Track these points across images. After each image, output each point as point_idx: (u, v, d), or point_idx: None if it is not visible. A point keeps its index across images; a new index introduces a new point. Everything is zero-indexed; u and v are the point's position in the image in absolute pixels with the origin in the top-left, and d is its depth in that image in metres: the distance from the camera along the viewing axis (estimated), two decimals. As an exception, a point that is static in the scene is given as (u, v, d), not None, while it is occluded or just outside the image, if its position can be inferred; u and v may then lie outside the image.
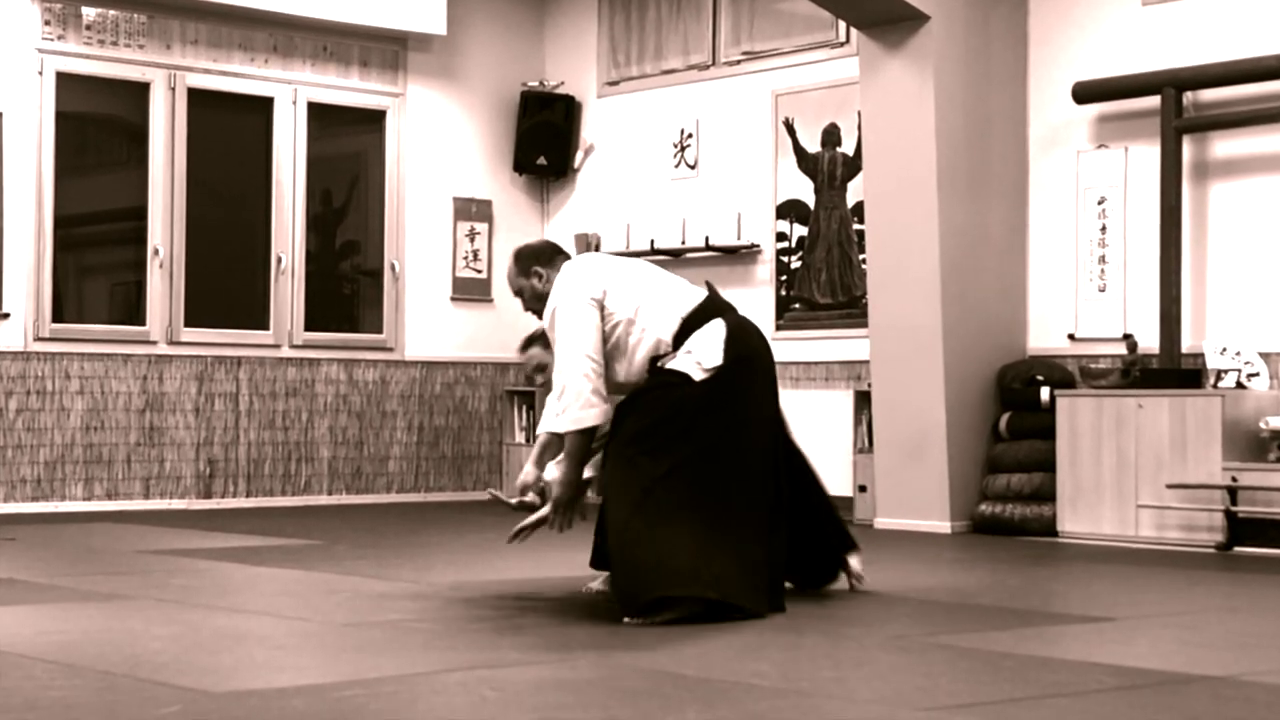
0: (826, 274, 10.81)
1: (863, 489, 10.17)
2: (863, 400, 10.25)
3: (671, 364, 5.81)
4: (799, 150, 11.00)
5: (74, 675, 4.42)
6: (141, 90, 11.01)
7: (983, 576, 7.45)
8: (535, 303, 6.15)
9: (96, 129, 11.41)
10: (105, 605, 5.96)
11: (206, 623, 5.54)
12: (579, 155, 12.34)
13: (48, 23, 10.62)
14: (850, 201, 10.69)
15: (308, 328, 11.54)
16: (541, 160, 12.31)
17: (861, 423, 10.27)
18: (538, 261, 6.16)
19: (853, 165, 10.63)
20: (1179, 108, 9.24)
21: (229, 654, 4.91)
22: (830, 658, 4.91)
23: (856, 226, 10.59)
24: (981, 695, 4.30)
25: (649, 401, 5.81)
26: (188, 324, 11.04)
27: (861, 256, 10.46)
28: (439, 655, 4.93)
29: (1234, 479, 8.52)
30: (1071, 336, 9.78)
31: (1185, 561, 8.03)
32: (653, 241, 11.55)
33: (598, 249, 11.88)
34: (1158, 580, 7.27)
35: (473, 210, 12.28)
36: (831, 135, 10.83)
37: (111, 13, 10.83)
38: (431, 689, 4.35)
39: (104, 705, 4.05)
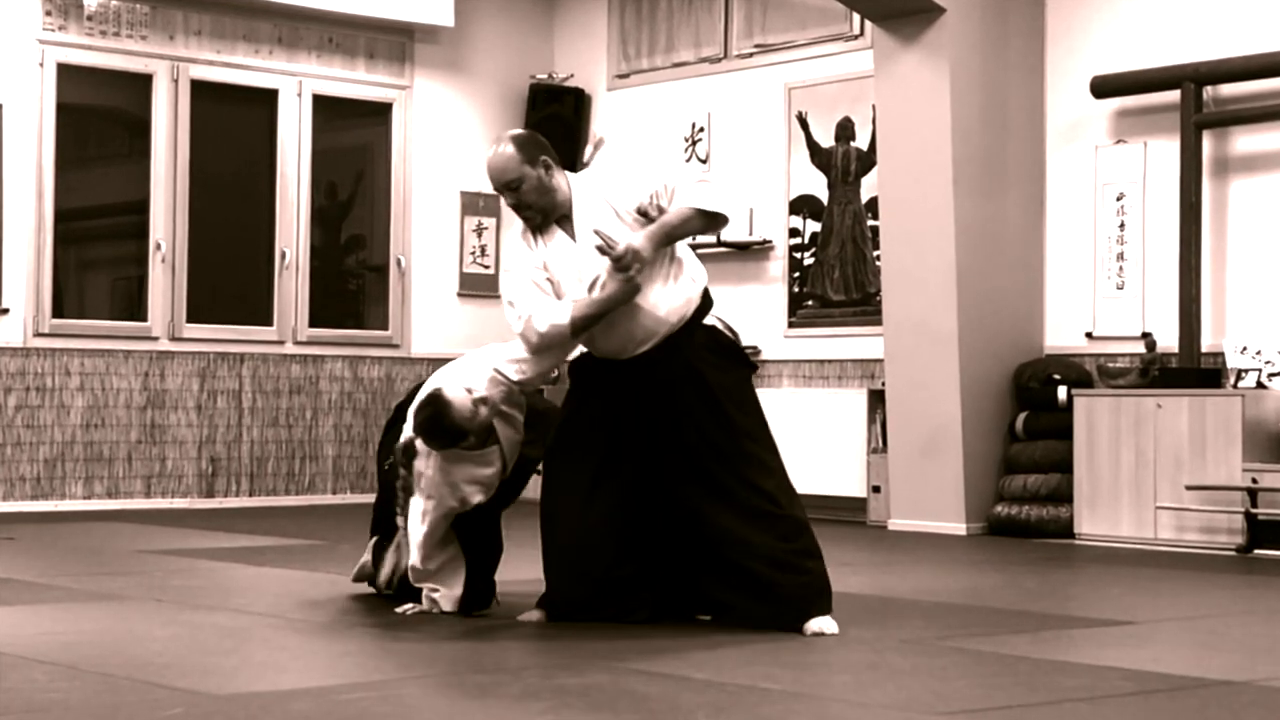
0: (840, 270, 10.80)
1: (876, 490, 10.18)
2: (876, 399, 10.25)
3: (715, 326, 5.60)
4: (812, 145, 11.00)
5: (74, 677, 4.43)
6: (144, 82, 11.02)
7: (998, 579, 7.45)
8: (536, 196, 5.43)
9: (98, 121, 11.43)
10: (106, 606, 5.97)
11: (208, 624, 5.55)
12: (589, 149, 12.34)
13: (49, 13, 10.63)
14: (864, 197, 10.68)
15: (312, 324, 11.55)
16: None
17: (875, 422, 10.27)
18: (547, 153, 5.49)
19: (867, 160, 10.62)
20: (1199, 102, 9.23)
21: (231, 656, 4.92)
22: (843, 661, 4.91)
23: (871, 222, 10.59)
24: (997, 699, 4.31)
25: (748, 395, 5.62)
26: (190, 320, 11.06)
27: (876, 253, 10.46)
28: (445, 658, 4.94)
29: (1254, 480, 8.52)
30: (1089, 335, 9.77)
31: (1204, 564, 8.03)
32: (663, 237, 11.54)
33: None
34: (1176, 583, 7.27)
35: (480, 205, 12.29)
36: (845, 129, 10.83)
37: (113, 3, 10.85)
38: (437, 692, 4.36)
39: (104, 707, 4.06)
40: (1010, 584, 7.24)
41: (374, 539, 6.25)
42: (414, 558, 5.71)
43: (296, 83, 11.56)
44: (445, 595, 5.75)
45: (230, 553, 7.97)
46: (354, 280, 12.16)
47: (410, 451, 5.62)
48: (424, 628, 5.47)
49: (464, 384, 5.49)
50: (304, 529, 9.32)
